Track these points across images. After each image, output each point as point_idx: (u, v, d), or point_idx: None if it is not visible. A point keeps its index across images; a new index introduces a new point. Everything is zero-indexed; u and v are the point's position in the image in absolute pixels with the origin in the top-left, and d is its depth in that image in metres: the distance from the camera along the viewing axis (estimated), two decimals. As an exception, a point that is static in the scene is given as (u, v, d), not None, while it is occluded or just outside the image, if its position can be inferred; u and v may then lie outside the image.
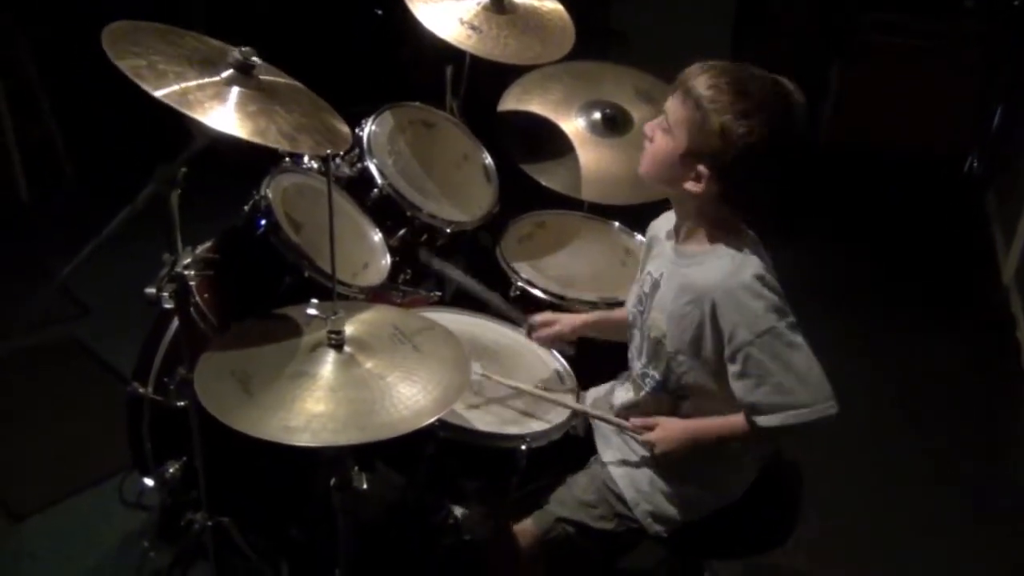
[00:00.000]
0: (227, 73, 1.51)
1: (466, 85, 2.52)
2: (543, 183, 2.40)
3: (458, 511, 1.84)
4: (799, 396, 1.44)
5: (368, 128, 2.17)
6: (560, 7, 2.50)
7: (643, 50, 4.20)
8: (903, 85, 4.47)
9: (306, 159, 2.09)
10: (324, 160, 2.01)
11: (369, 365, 1.45)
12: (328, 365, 1.43)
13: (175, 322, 1.92)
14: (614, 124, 2.50)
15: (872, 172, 4.53)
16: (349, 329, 1.48)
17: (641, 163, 1.58)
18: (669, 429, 1.60)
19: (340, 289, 1.64)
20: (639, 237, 2.40)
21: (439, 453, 1.66)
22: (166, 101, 1.38)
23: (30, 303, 3.00)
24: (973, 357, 3.32)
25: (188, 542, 1.97)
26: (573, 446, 1.77)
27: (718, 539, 1.70)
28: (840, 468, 2.59)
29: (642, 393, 1.67)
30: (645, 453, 1.66)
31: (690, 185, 1.48)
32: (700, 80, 1.44)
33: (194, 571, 2.05)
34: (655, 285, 1.61)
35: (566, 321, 1.92)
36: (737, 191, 1.47)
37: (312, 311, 1.47)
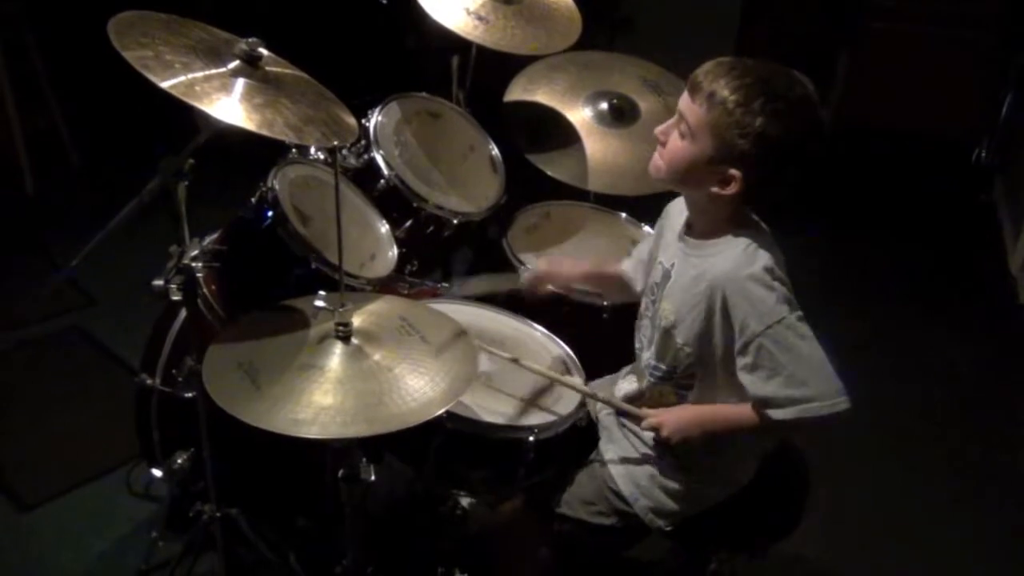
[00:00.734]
0: (233, 64, 1.51)
1: (472, 75, 2.51)
2: (549, 174, 2.39)
3: (465, 502, 1.84)
4: (812, 388, 1.43)
5: (374, 119, 2.16)
6: (566, -4, 2.49)
7: (650, 37, 4.18)
8: (911, 72, 4.45)
9: (313, 150, 2.09)
10: (331, 152, 2.01)
11: (377, 357, 1.45)
12: (336, 357, 1.43)
13: (182, 313, 1.93)
14: (621, 115, 2.49)
15: (879, 159, 4.51)
16: (356, 321, 1.48)
17: (654, 167, 1.55)
18: (680, 413, 1.59)
19: (347, 280, 1.64)
20: (646, 228, 2.40)
21: (446, 444, 1.66)
22: (173, 92, 1.38)
23: (37, 294, 3.01)
24: (980, 346, 3.31)
25: (197, 533, 1.98)
26: (579, 438, 1.76)
27: (724, 530, 1.70)
28: (847, 458, 2.59)
29: (646, 383, 1.66)
30: (646, 449, 1.66)
31: (716, 189, 1.46)
32: (722, 82, 1.40)
33: (202, 561, 2.06)
34: (666, 275, 1.60)
35: (561, 277, 1.97)
36: (763, 190, 1.46)
37: (320, 303, 1.47)
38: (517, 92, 2.53)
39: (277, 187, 1.86)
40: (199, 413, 1.74)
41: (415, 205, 2.12)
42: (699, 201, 1.56)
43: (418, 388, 1.40)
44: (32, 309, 2.98)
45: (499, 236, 2.31)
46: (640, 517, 1.66)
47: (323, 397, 1.36)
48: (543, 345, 1.96)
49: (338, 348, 1.44)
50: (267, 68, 1.58)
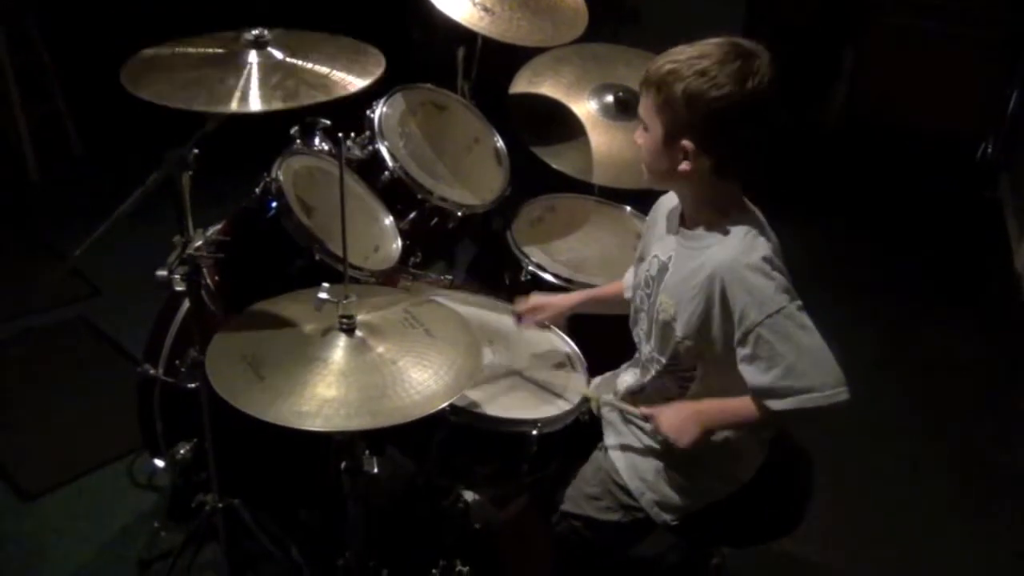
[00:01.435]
0: (246, 55, 1.52)
1: (477, 67, 2.50)
2: (554, 166, 2.38)
3: (468, 496, 1.84)
4: (812, 379, 1.42)
5: (379, 110, 2.15)
6: (573, -11, 2.47)
7: (655, 30, 4.17)
8: (917, 68, 4.44)
9: (317, 141, 2.08)
10: (336, 143, 2.00)
11: (380, 349, 1.44)
12: (339, 349, 1.43)
13: (185, 304, 1.93)
14: (626, 108, 2.48)
15: (885, 155, 4.50)
16: (360, 313, 1.48)
17: (644, 174, 1.57)
18: (678, 408, 1.59)
19: (351, 272, 1.63)
20: (650, 217, 2.39)
21: (449, 438, 1.65)
22: (199, 110, 1.40)
23: (41, 283, 3.01)
24: (985, 342, 3.31)
25: (199, 523, 1.98)
26: (582, 433, 1.76)
27: (729, 527, 1.69)
28: (851, 455, 2.59)
29: (648, 377, 1.66)
30: (650, 442, 1.66)
31: (683, 167, 1.47)
32: (656, 66, 1.46)
33: (204, 552, 2.06)
34: (663, 268, 1.60)
35: (553, 307, 1.92)
36: (726, 157, 1.46)
37: (324, 295, 1.46)
38: (522, 84, 2.52)
39: (281, 178, 1.85)
40: (202, 404, 1.74)
41: (419, 197, 2.11)
42: (681, 189, 1.57)
43: (422, 381, 1.40)
44: (36, 298, 2.98)
45: (503, 229, 2.31)
46: (646, 511, 1.65)
47: (327, 389, 1.35)
48: (548, 340, 1.95)
49: (342, 340, 1.44)
50: (273, 44, 1.59)
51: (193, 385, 1.84)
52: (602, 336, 1.88)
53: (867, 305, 3.44)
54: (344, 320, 1.45)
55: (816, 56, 4.46)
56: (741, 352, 1.46)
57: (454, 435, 1.65)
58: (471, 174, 2.30)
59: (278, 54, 1.58)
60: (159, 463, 2.12)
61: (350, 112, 2.07)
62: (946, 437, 2.83)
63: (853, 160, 4.52)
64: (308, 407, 1.32)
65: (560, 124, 2.46)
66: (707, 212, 1.53)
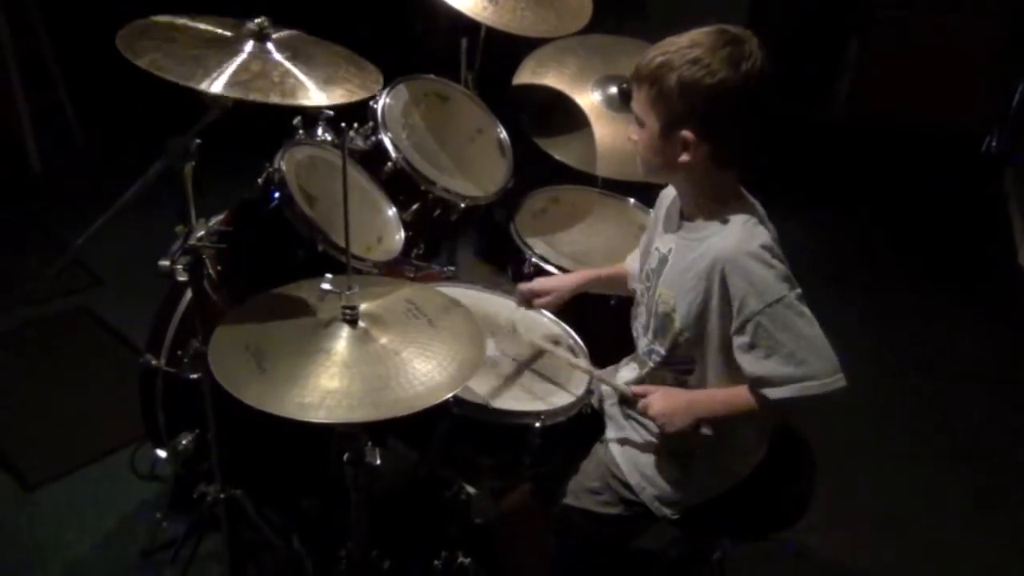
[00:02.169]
0: (251, 45, 1.51)
1: (481, 58, 2.48)
2: (558, 158, 2.37)
3: (470, 488, 1.84)
4: (811, 367, 1.41)
5: (382, 101, 2.14)
6: (577, -22, 2.46)
7: (659, 22, 4.15)
8: (922, 60, 4.42)
9: (320, 131, 2.07)
10: (339, 133, 1.99)
11: (384, 341, 1.44)
12: (342, 340, 1.42)
13: (187, 294, 1.93)
14: (630, 99, 2.45)
15: (889, 148, 4.49)
16: (363, 304, 1.47)
17: (640, 168, 1.57)
18: (670, 394, 1.58)
19: (354, 263, 1.63)
20: (654, 213, 2.38)
21: (452, 429, 1.65)
22: (194, 87, 1.38)
23: (43, 274, 3.01)
24: (988, 335, 3.30)
25: (201, 514, 1.98)
26: (585, 426, 1.76)
27: (730, 521, 1.69)
28: (853, 449, 2.59)
29: (647, 369, 1.65)
30: (650, 437, 1.66)
31: (684, 158, 1.46)
32: (646, 60, 1.45)
33: (207, 543, 2.06)
34: (662, 261, 1.59)
35: (556, 292, 1.90)
36: (724, 144, 1.45)
37: (326, 286, 1.45)
38: (526, 75, 2.51)
39: (284, 168, 1.84)
40: (204, 394, 1.74)
41: (422, 188, 2.10)
42: (681, 181, 1.56)
43: (425, 372, 1.39)
44: (38, 289, 2.98)
45: (506, 220, 2.30)
46: (646, 505, 1.65)
47: (329, 381, 1.35)
48: (551, 331, 1.94)
49: (345, 331, 1.44)
50: (275, 37, 1.58)
51: (195, 376, 1.84)
52: (604, 331, 1.88)
53: (870, 298, 3.44)
54: (347, 311, 1.44)
55: (820, 49, 4.45)
56: (739, 340, 1.46)
57: (456, 427, 1.64)
58: (474, 165, 2.29)
59: (276, 54, 1.56)
60: (161, 453, 2.12)
61: (353, 103, 2.06)
62: (949, 431, 2.83)
63: (856, 153, 4.51)
64: (311, 398, 1.32)
65: (563, 115, 2.45)
66: (706, 203, 1.53)
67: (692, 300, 1.50)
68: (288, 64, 1.53)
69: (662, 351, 1.60)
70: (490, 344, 1.84)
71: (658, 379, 1.64)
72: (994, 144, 4.46)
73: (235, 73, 1.45)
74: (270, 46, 1.55)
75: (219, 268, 1.86)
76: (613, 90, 2.49)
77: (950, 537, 2.43)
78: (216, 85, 1.42)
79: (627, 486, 1.67)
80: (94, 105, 3.86)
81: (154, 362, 1.97)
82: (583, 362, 1.80)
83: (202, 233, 1.63)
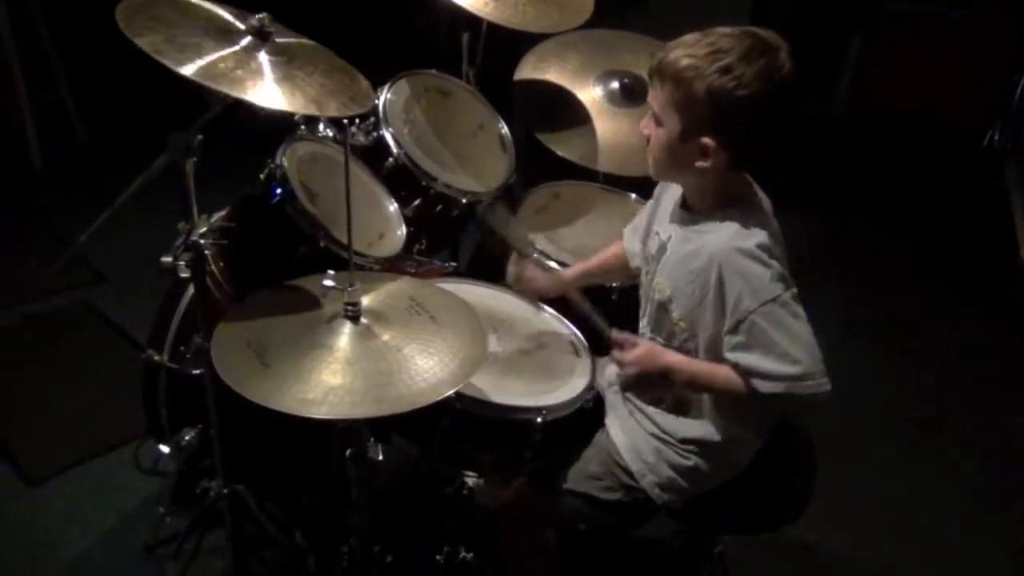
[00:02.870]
0: (246, 41, 1.50)
1: (482, 53, 2.48)
2: (559, 153, 2.37)
3: (472, 483, 1.85)
4: (804, 367, 1.42)
5: (384, 96, 2.14)
6: (579, -27, 2.45)
7: (662, 16, 4.15)
8: (923, 55, 4.41)
9: (321, 127, 2.07)
10: (341, 129, 1.99)
11: (386, 337, 1.44)
12: (345, 337, 1.43)
13: (190, 290, 1.93)
14: (632, 94, 2.46)
15: (890, 144, 4.48)
16: (366, 300, 1.48)
17: (650, 166, 1.55)
18: (651, 350, 1.58)
19: (356, 259, 1.63)
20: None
21: (454, 424, 1.65)
22: (195, 78, 1.37)
23: (45, 269, 3.02)
24: (989, 331, 3.30)
25: (204, 509, 1.99)
26: (587, 420, 1.76)
27: (732, 514, 1.70)
28: (855, 444, 2.59)
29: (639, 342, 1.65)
30: (652, 426, 1.66)
31: (700, 163, 1.45)
32: (672, 58, 1.42)
33: (209, 538, 2.06)
34: (661, 248, 1.59)
35: (547, 283, 1.90)
36: (744, 152, 1.45)
37: (328, 282, 1.46)
38: (527, 70, 2.50)
39: (285, 164, 1.84)
40: (207, 390, 1.74)
41: (424, 184, 2.10)
42: (692, 182, 1.55)
43: (428, 368, 1.40)
44: (40, 285, 2.99)
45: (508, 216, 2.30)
46: (647, 492, 1.65)
47: (332, 377, 1.35)
48: (552, 326, 1.95)
49: (347, 328, 1.44)
50: (276, 40, 1.57)
51: (198, 371, 1.85)
52: (608, 321, 1.88)
53: (872, 295, 3.44)
54: (349, 307, 1.44)
55: (821, 45, 4.44)
56: (733, 340, 1.46)
57: (458, 422, 1.65)
58: (476, 161, 2.29)
59: (279, 54, 1.55)
60: (164, 449, 2.13)
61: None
62: (950, 427, 2.83)
63: (858, 149, 4.50)
64: (313, 394, 1.32)
65: (565, 111, 2.45)
66: (711, 199, 1.53)
67: (690, 293, 1.51)
68: (265, 64, 1.50)
69: (660, 338, 1.61)
70: (492, 339, 1.84)
71: None
72: (995, 140, 4.45)
73: (212, 63, 1.44)
74: (262, 49, 1.54)
75: (221, 264, 1.87)
76: (615, 85, 2.48)
77: (950, 534, 2.43)
78: (188, 69, 1.40)
79: (628, 472, 1.67)
80: (96, 102, 3.87)
81: (157, 358, 1.98)
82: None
83: (204, 229, 1.63)
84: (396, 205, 2.08)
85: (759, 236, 1.46)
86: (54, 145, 3.75)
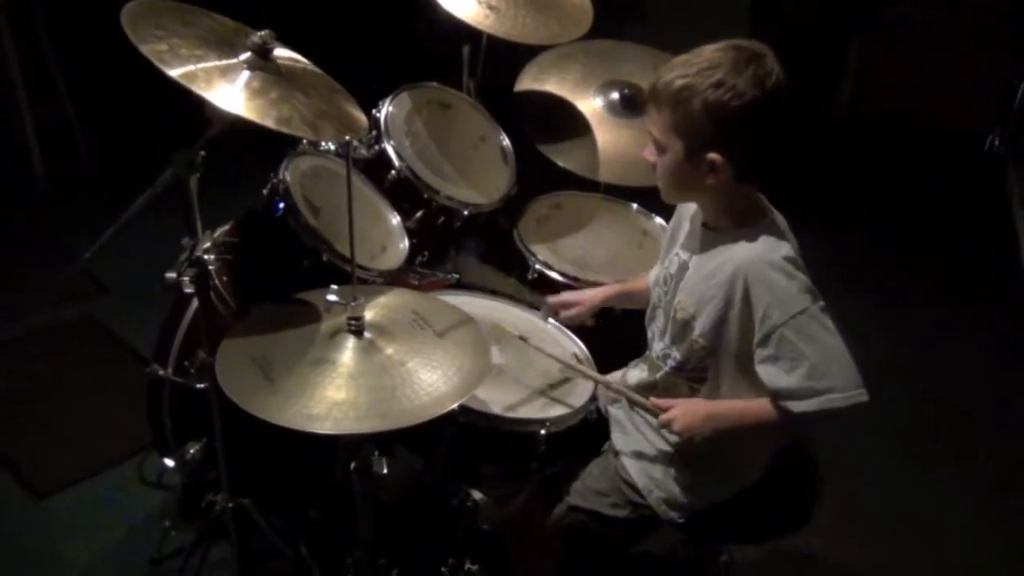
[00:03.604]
0: (246, 56, 1.50)
1: (482, 65, 2.49)
2: (560, 164, 2.38)
3: (476, 495, 1.85)
4: (834, 379, 1.41)
5: (385, 109, 2.16)
6: (578, -15, 2.47)
7: (661, 26, 4.16)
8: (923, 61, 4.41)
9: (323, 141, 2.08)
10: (343, 143, 2.00)
11: (389, 351, 1.45)
12: (348, 351, 1.43)
13: (193, 304, 1.93)
14: (632, 104, 2.47)
15: (891, 149, 4.49)
16: (369, 314, 1.49)
17: (661, 191, 1.57)
18: (691, 407, 1.57)
19: (358, 273, 1.64)
20: (657, 219, 2.39)
21: (458, 437, 1.66)
22: (185, 83, 1.38)
23: (49, 283, 3.02)
24: (992, 336, 3.29)
25: (209, 523, 1.99)
26: (590, 432, 1.76)
27: (736, 525, 1.70)
28: (859, 452, 2.58)
29: (659, 374, 1.65)
30: (657, 441, 1.66)
31: (711, 180, 1.46)
32: (664, 82, 1.44)
33: (215, 551, 2.06)
34: (683, 267, 1.60)
35: (584, 304, 1.91)
36: (749, 162, 1.45)
37: (332, 297, 1.46)
38: (528, 82, 2.52)
39: (288, 179, 1.86)
40: (211, 404, 1.75)
41: (426, 196, 2.11)
42: (703, 199, 1.56)
43: (431, 382, 1.40)
44: (44, 299, 2.99)
45: (510, 227, 2.31)
46: (654, 509, 1.66)
47: (336, 392, 1.36)
48: (555, 339, 1.95)
49: (351, 342, 1.45)
50: (278, 60, 1.58)
51: (202, 386, 1.85)
52: (609, 339, 1.89)
53: (871, 300, 3.43)
54: (353, 322, 1.45)
55: (821, 51, 4.45)
56: (762, 353, 1.46)
57: (462, 435, 1.65)
58: (477, 172, 2.30)
59: (278, 74, 1.55)
60: (169, 462, 2.13)
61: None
62: (953, 434, 2.83)
63: (859, 156, 4.50)
64: (318, 409, 1.33)
65: (566, 122, 2.46)
66: (729, 215, 1.53)
67: (712, 309, 1.50)
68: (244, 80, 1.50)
69: (678, 356, 1.60)
70: (495, 352, 1.84)
71: (670, 384, 1.65)
72: (996, 144, 4.46)
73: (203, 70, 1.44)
74: (250, 70, 1.52)
75: (225, 279, 1.88)
76: (615, 95, 2.49)
77: (954, 542, 2.43)
78: (177, 71, 1.40)
79: (635, 489, 1.67)
80: (98, 116, 3.88)
81: (161, 372, 1.98)
82: (597, 374, 1.80)
83: (208, 244, 1.64)
84: (398, 218, 2.09)
85: (784, 248, 1.47)
86: (57, 158, 3.76)
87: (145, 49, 1.36)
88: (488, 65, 2.49)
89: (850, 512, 2.41)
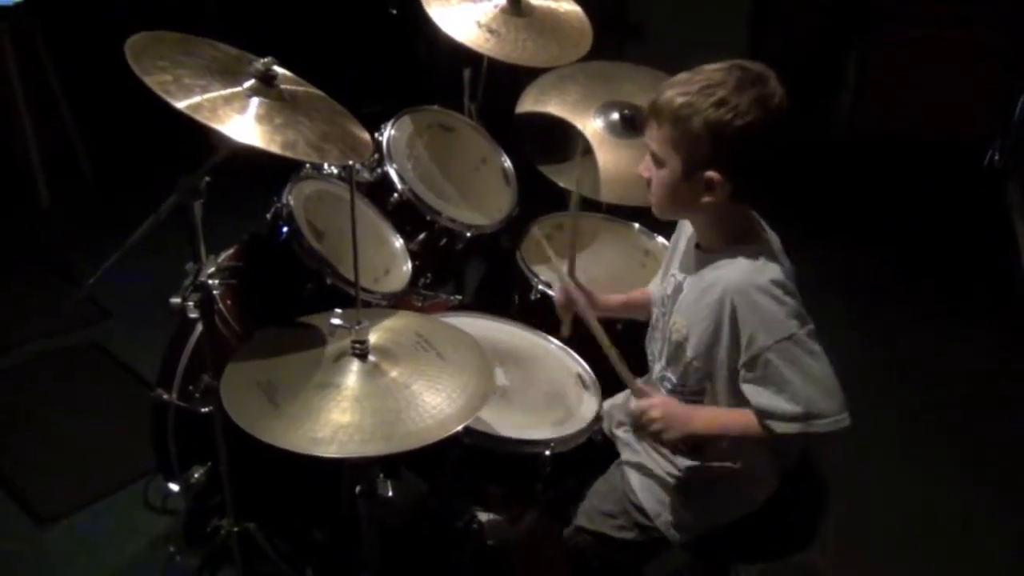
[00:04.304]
0: (249, 84, 1.52)
1: (483, 88, 2.51)
2: (562, 185, 2.39)
3: (482, 516, 1.85)
4: (818, 405, 1.42)
5: (387, 133, 2.17)
6: (577, 8, 2.49)
7: (659, 45, 4.19)
8: (921, 75, 4.43)
9: (326, 165, 2.10)
10: (346, 167, 2.02)
11: (394, 374, 1.46)
12: (353, 375, 1.44)
13: (197, 328, 1.94)
14: (632, 124, 2.48)
15: (891, 163, 4.50)
16: (373, 337, 1.49)
17: (653, 206, 1.57)
18: (671, 406, 1.56)
19: (362, 296, 1.65)
20: (659, 238, 2.40)
21: (463, 459, 1.66)
22: (193, 116, 1.39)
23: (53, 308, 3.04)
24: (994, 351, 3.29)
25: (214, 547, 1.98)
26: (596, 452, 1.76)
27: (743, 544, 1.69)
28: (864, 467, 2.57)
29: (659, 396, 1.66)
30: (667, 465, 1.66)
31: (707, 198, 1.46)
32: (665, 98, 1.44)
33: (220, 575, 2.06)
34: (678, 288, 1.60)
35: (582, 302, 1.85)
36: (747, 181, 1.46)
37: (336, 320, 1.47)
38: (528, 104, 2.53)
39: (292, 203, 1.87)
40: (216, 429, 1.75)
41: (428, 218, 2.12)
42: (697, 217, 1.56)
43: (435, 405, 1.41)
44: (48, 323, 3.00)
45: (512, 248, 2.31)
46: (662, 531, 1.65)
47: (341, 415, 1.36)
48: (559, 359, 1.96)
49: (355, 365, 1.45)
50: (281, 85, 1.59)
51: (206, 409, 1.86)
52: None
53: (875, 315, 3.43)
54: (357, 345, 1.46)
55: (820, 66, 4.47)
56: (747, 375, 1.46)
57: (467, 456, 1.65)
58: (479, 194, 2.31)
59: (281, 99, 1.56)
60: (173, 487, 2.13)
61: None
62: (961, 447, 2.82)
63: (859, 170, 4.52)
64: (323, 433, 1.33)
65: (567, 143, 2.47)
66: (721, 235, 1.54)
67: (703, 331, 1.51)
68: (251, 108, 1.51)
69: (674, 378, 1.61)
70: (499, 372, 1.85)
71: None
72: (996, 158, 4.47)
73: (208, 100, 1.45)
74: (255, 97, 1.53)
75: (229, 303, 1.88)
76: (615, 116, 2.50)
77: (964, 560, 2.42)
78: (183, 103, 1.41)
79: (642, 511, 1.67)
80: (102, 140, 3.90)
81: (165, 396, 1.98)
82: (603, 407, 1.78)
83: (212, 269, 1.65)
84: (401, 240, 2.10)
85: (772, 271, 1.46)
86: (61, 183, 3.78)
87: (150, 81, 1.37)
88: (489, 88, 2.51)
89: (857, 530, 2.39)
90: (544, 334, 2.00)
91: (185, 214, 1.59)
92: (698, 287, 1.54)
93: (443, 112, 2.37)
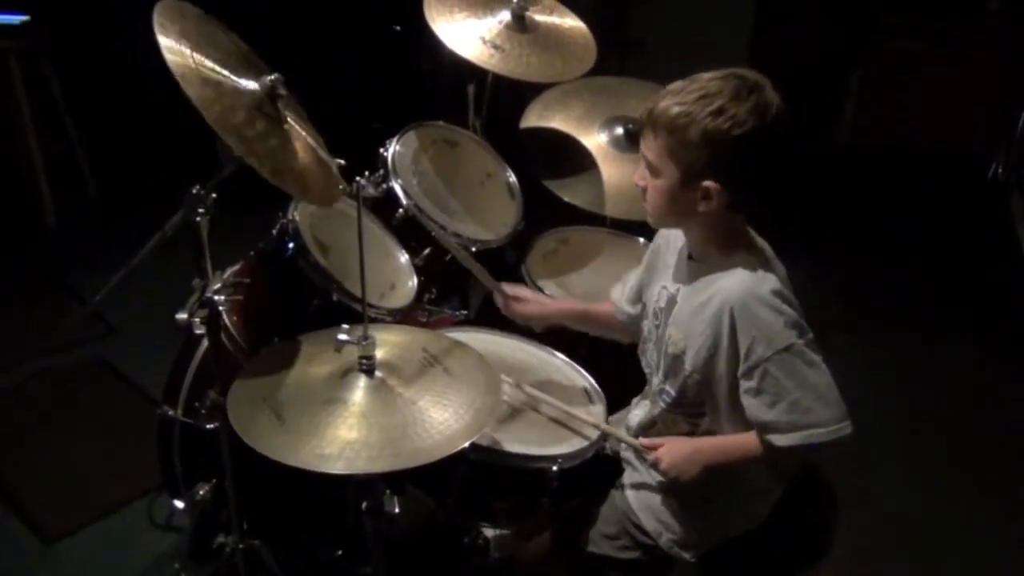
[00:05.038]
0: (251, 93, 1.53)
1: (488, 103, 2.52)
2: (566, 199, 2.40)
3: (488, 532, 1.84)
4: (817, 415, 1.41)
5: (392, 148, 2.17)
6: (581, 24, 2.50)
7: (662, 59, 4.21)
8: (924, 88, 4.45)
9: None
10: (351, 182, 2.02)
11: (400, 390, 1.45)
12: (360, 391, 1.43)
13: (203, 344, 1.94)
14: (636, 139, 2.47)
15: (894, 176, 4.51)
16: (379, 353, 1.49)
17: (648, 214, 1.56)
18: (676, 446, 1.58)
19: (368, 311, 1.64)
20: (653, 244, 2.40)
21: (470, 475, 1.65)
22: (202, 110, 1.40)
23: (58, 324, 3.04)
24: (999, 363, 3.28)
25: (220, 564, 1.97)
26: (604, 466, 1.76)
27: (752, 560, 1.68)
28: (871, 478, 2.56)
29: (658, 410, 1.65)
30: (667, 487, 1.65)
31: (703, 207, 1.45)
32: (662, 107, 1.43)
33: (225, 593, 2.05)
34: (671, 301, 1.59)
35: (535, 306, 1.90)
36: (745, 191, 1.45)
37: (343, 336, 1.47)
38: (533, 119, 2.54)
39: (297, 218, 1.87)
40: (222, 445, 1.75)
41: (433, 233, 2.12)
42: (693, 228, 1.55)
43: (442, 421, 1.40)
44: (53, 340, 3.00)
45: (517, 262, 2.32)
46: (665, 550, 1.64)
47: (348, 431, 1.36)
48: (565, 374, 1.95)
49: (362, 381, 1.45)
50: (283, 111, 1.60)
51: (212, 426, 1.85)
52: (614, 370, 1.88)
53: (876, 324, 3.43)
54: (364, 361, 1.45)
55: (822, 80, 4.49)
56: (746, 385, 1.46)
57: (474, 472, 1.65)
58: (484, 209, 2.32)
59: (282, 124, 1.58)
60: (178, 504, 2.12)
61: (364, 150, 2.09)
62: (966, 458, 2.81)
63: (862, 183, 4.53)
64: (330, 449, 1.33)
65: (571, 157, 2.48)
66: (716, 246, 1.53)
67: (701, 344, 1.50)
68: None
69: (673, 392, 1.60)
70: (505, 388, 1.84)
71: (670, 420, 1.64)
72: (999, 171, 4.47)
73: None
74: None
75: (235, 319, 1.88)
76: (619, 131, 2.52)
77: (970, 567, 2.40)
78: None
79: (644, 531, 1.66)
80: (107, 158, 3.92)
81: (171, 413, 1.98)
82: (590, 417, 1.78)
83: (219, 285, 1.65)
84: (407, 256, 2.10)
85: (771, 282, 1.46)
86: (66, 200, 3.80)
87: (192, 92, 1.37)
88: (493, 103, 2.52)
89: (867, 545, 2.38)
90: (550, 349, 1.99)
91: (191, 230, 1.59)
92: (694, 299, 1.53)
93: (448, 127, 2.38)
